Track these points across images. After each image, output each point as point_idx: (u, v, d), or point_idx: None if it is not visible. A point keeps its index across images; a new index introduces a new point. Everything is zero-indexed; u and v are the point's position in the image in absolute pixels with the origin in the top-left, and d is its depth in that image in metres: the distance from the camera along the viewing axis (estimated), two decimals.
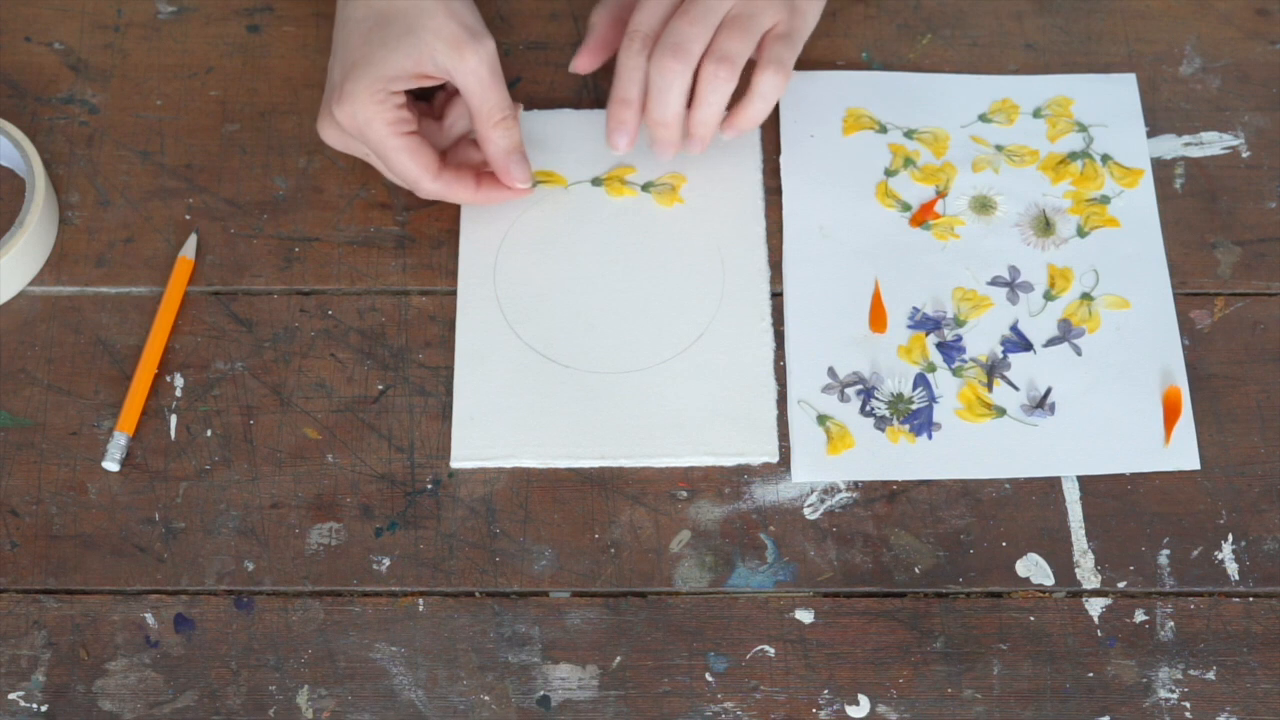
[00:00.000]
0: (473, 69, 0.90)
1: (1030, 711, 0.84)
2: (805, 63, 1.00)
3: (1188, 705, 0.84)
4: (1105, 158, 0.98)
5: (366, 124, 0.90)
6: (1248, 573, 0.87)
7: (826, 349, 0.93)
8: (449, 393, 0.92)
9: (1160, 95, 1.00)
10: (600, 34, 0.97)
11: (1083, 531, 0.88)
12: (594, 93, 1.01)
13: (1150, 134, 0.99)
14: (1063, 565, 0.87)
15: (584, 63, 0.97)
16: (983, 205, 0.97)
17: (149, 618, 0.86)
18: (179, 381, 0.92)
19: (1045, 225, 0.96)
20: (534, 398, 0.91)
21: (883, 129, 0.99)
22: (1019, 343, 0.93)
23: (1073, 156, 0.98)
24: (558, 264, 0.95)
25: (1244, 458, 0.90)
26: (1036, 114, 1.00)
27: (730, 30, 0.92)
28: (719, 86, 0.92)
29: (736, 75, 0.92)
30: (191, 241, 0.96)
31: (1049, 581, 0.87)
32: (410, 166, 0.91)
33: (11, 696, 0.84)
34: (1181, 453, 0.90)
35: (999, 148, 0.99)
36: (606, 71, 0.98)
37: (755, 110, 0.94)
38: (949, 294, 0.94)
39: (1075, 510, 0.89)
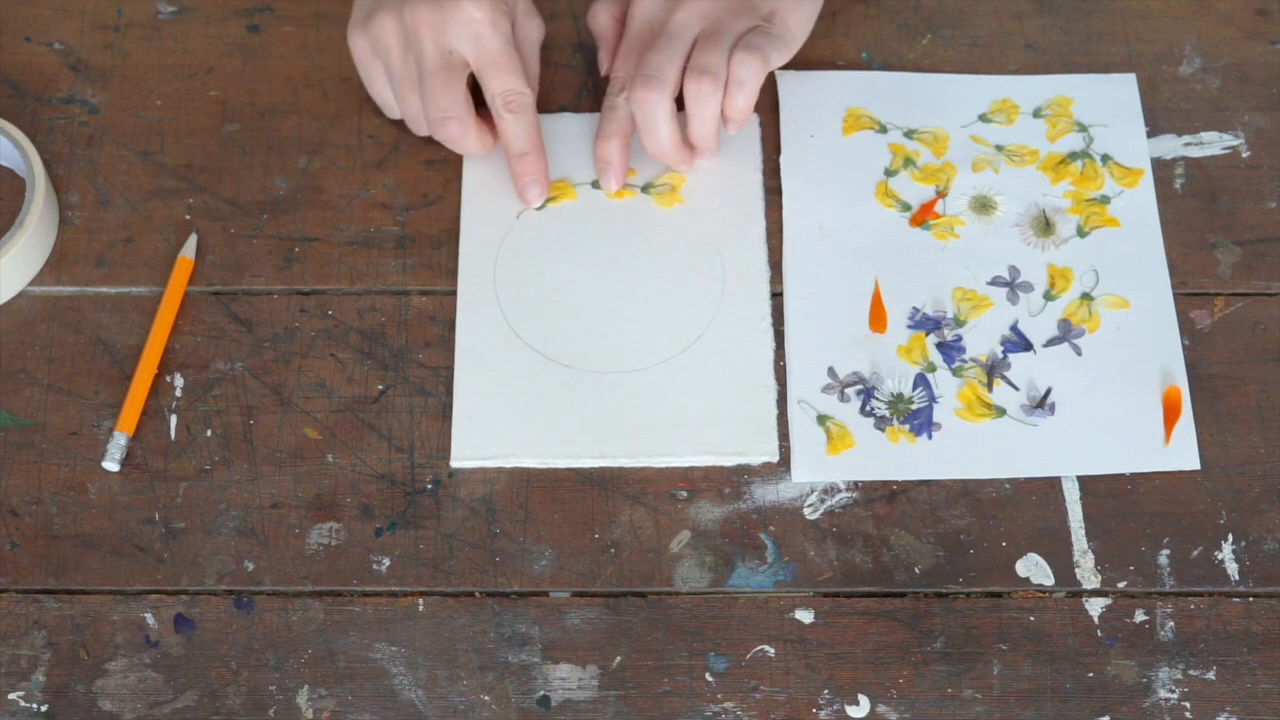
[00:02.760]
0: (522, 41, 0.95)
1: (1030, 711, 0.84)
2: (805, 63, 1.00)
3: (1188, 705, 0.84)
4: (1105, 158, 0.98)
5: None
6: (1248, 573, 0.87)
7: (826, 349, 0.93)
8: (449, 393, 0.92)
9: (1160, 95, 1.00)
10: (611, 33, 0.99)
11: (1083, 531, 0.88)
12: (593, 95, 1.01)
13: (1150, 134, 0.99)
14: (1063, 565, 0.87)
15: (607, 64, 0.99)
16: (983, 205, 0.97)
17: (149, 618, 0.86)
18: (179, 381, 0.92)
19: (1045, 225, 0.96)
20: (534, 398, 0.91)
21: (883, 129, 0.99)
22: (1019, 343, 0.93)
23: (1073, 156, 0.98)
24: (558, 264, 0.95)
25: (1244, 458, 0.90)
26: (1036, 114, 1.00)
27: (703, 46, 0.93)
28: (704, 100, 0.93)
29: (720, 85, 0.93)
30: (191, 241, 0.96)
31: (1049, 581, 0.87)
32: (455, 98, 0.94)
33: (11, 696, 0.84)
34: (1181, 453, 0.90)
35: (999, 148, 0.99)
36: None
37: (737, 99, 0.94)
38: (949, 294, 0.94)
39: (1075, 510, 0.89)
